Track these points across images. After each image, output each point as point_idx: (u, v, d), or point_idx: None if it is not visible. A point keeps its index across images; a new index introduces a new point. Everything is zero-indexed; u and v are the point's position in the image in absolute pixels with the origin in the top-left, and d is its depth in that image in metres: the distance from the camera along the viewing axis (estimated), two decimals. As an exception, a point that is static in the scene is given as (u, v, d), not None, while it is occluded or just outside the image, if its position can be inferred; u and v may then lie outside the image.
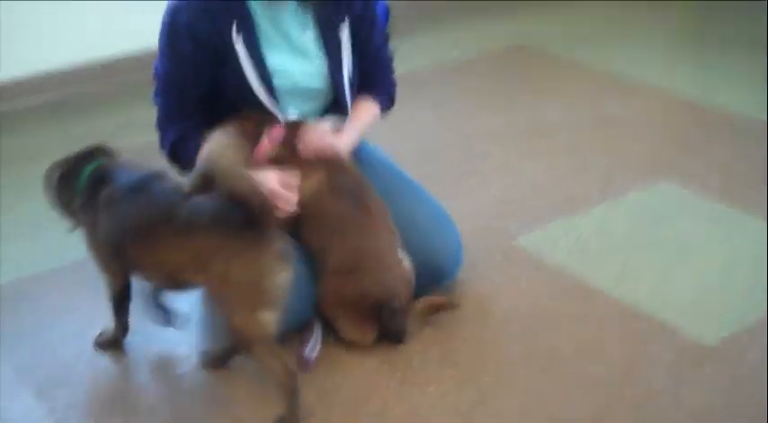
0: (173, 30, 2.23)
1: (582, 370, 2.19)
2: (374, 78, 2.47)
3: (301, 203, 2.21)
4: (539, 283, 2.54)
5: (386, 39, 2.52)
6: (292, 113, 2.33)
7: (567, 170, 3.18)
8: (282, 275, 1.94)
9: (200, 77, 2.27)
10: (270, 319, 1.94)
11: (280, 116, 2.30)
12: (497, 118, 3.65)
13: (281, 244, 1.95)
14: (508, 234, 2.78)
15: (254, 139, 2.24)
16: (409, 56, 4.12)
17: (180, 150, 2.31)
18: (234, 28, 2.21)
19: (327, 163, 2.25)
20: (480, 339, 2.31)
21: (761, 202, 2.93)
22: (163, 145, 2.35)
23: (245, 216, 1.89)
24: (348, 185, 2.26)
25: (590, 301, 2.46)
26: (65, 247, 2.76)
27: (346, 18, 2.32)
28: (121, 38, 3.97)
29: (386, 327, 2.25)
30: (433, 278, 2.38)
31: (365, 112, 2.44)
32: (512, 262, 2.64)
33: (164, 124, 2.33)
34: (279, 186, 2.15)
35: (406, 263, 2.26)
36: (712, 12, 5.01)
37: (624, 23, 4.86)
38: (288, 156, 2.24)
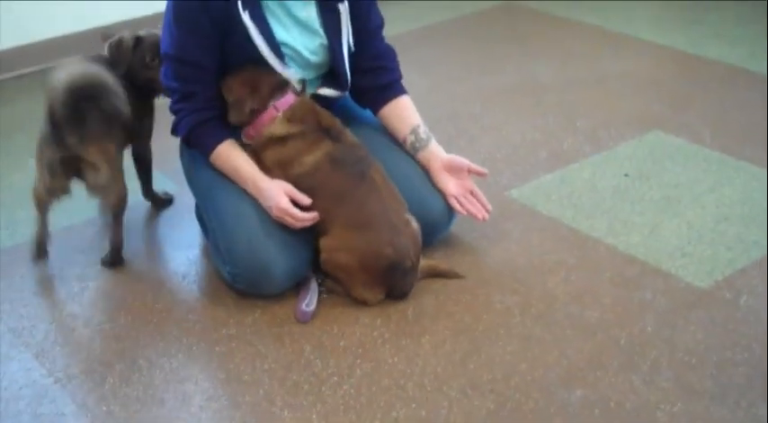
0: (185, 4, 2.23)
1: (576, 316, 2.21)
2: (385, 66, 2.47)
3: (303, 175, 2.26)
4: (531, 234, 2.55)
5: (382, 21, 2.51)
6: (295, 73, 2.34)
7: (558, 126, 3.18)
8: None
9: (214, 50, 2.28)
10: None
11: (296, 83, 2.33)
12: (486, 78, 3.64)
13: None
14: (500, 187, 2.79)
15: (262, 101, 2.28)
16: (397, 19, 4.10)
17: (198, 136, 2.34)
18: (240, 3, 2.21)
19: (331, 138, 2.28)
20: (474, 290, 2.32)
21: (751, 148, 2.94)
22: (178, 129, 2.37)
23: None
24: (351, 159, 2.27)
25: (583, 250, 2.47)
26: (58, 213, 2.76)
27: None
28: (113, 7, 3.95)
29: (396, 286, 2.27)
30: (428, 232, 2.38)
31: (414, 113, 2.47)
32: (504, 214, 2.64)
33: (180, 107, 2.34)
34: (288, 205, 2.21)
35: (414, 224, 2.27)
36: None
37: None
38: (292, 129, 2.28)
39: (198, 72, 2.29)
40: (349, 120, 2.43)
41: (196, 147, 2.37)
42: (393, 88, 2.48)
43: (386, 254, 2.21)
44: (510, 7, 4.44)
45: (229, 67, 2.31)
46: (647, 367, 2.02)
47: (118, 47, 2.51)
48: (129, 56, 2.50)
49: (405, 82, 2.49)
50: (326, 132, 2.29)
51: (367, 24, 2.42)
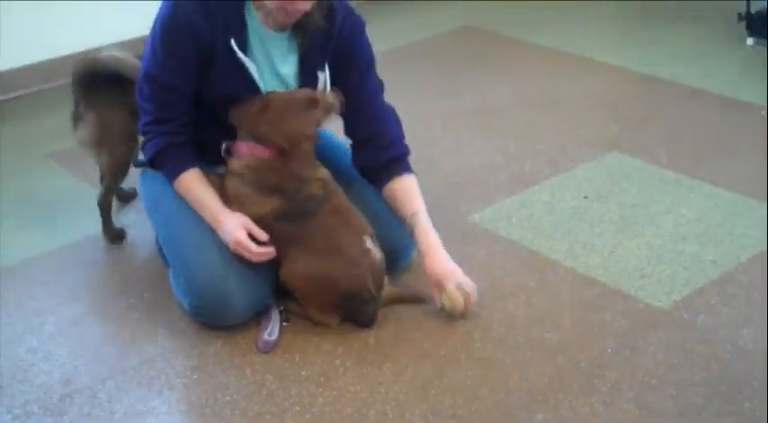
0: (172, 25, 2.23)
1: (537, 339, 2.22)
2: (384, 134, 2.44)
3: (254, 218, 2.26)
4: (492, 258, 2.56)
5: (381, 86, 2.52)
6: None
7: (516, 149, 3.20)
8: None
9: (194, 78, 2.28)
10: None
11: None
12: (445, 101, 3.66)
13: None
14: (461, 212, 2.80)
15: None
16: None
17: (166, 160, 2.32)
18: (232, 35, 2.23)
19: (285, 196, 2.26)
20: (435, 315, 2.32)
21: (707, 168, 2.98)
22: (145, 149, 2.36)
23: None
24: (297, 213, 2.25)
25: (543, 272, 2.48)
26: (14, 247, 2.74)
27: (326, 62, 2.34)
28: (113, 27, 3.94)
29: (355, 315, 2.27)
30: (390, 259, 2.38)
31: (417, 196, 2.41)
32: (465, 239, 2.65)
33: (151, 129, 2.33)
34: (245, 239, 2.21)
35: (376, 253, 2.27)
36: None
37: (571, 2, 4.88)
38: (249, 173, 2.27)
39: (175, 97, 2.29)
40: (325, 153, 2.42)
41: (161, 169, 2.35)
42: (396, 166, 2.42)
43: (341, 285, 2.21)
44: (468, 31, 4.48)
45: (204, 98, 2.31)
46: (607, 389, 2.04)
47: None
48: None
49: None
50: (280, 188, 2.27)
51: (362, 88, 2.43)
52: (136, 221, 2.81)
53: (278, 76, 2.35)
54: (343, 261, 2.22)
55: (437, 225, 2.69)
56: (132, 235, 2.76)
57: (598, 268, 2.48)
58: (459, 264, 2.51)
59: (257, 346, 2.23)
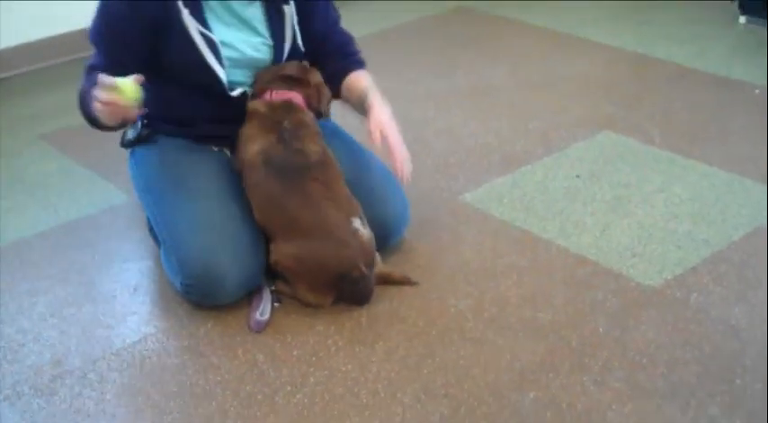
0: (115, 5, 2.23)
1: (528, 318, 2.21)
2: (347, 51, 2.51)
3: (245, 165, 2.29)
4: (484, 238, 2.56)
5: (338, 17, 2.53)
6: (226, 75, 2.32)
7: (509, 129, 3.20)
8: None
9: (137, 50, 2.27)
10: None
11: (225, 84, 2.31)
12: (439, 81, 3.65)
13: None
14: (453, 192, 2.79)
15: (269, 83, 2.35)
16: (352, 23, 4.07)
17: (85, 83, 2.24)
18: (180, 1, 2.21)
19: (279, 135, 2.27)
20: (427, 294, 2.32)
21: (700, 147, 2.97)
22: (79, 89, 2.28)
23: None
24: (286, 166, 2.25)
25: (535, 252, 2.48)
26: (6, 228, 2.74)
27: None
28: (57, 18, 3.92)
29: (347, 294, 2.27)
30: (381, 237, 2.38)
31: (369, 79, 2.46)
32: (457, 218, 2.65)
33: (88, 71, 2.28)
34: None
35: (364, 231, 2.26)
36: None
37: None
38: (260, 109, 2.32)
39: (119, 68, 2.19)
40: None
41: (81, 94, 2.25)
42: (353, 63, 2.49)
43: (330, 266, 2.21)
44: (463, 10, 4.46)
45: (168, 66, 2.30)
46: (598, 368, 2.04)
47: None
48: None
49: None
50: (279, 127, 2.27)
51: (325, 21, 2.45)
52: (126, 202, 2.80)
53: (241, 20, 2.32)
54: (332, 242, 2.21)
55: (430, 204, 2.71)
56: (124, 215, 2.76)
57: (590, 247, 2.47)
58: (451, 244, 2.53)
59: (249, 326, 2.23)
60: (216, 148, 2.45)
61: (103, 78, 2.04)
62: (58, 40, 3.95)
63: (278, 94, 2.32)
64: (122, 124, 2.26)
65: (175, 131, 2.43)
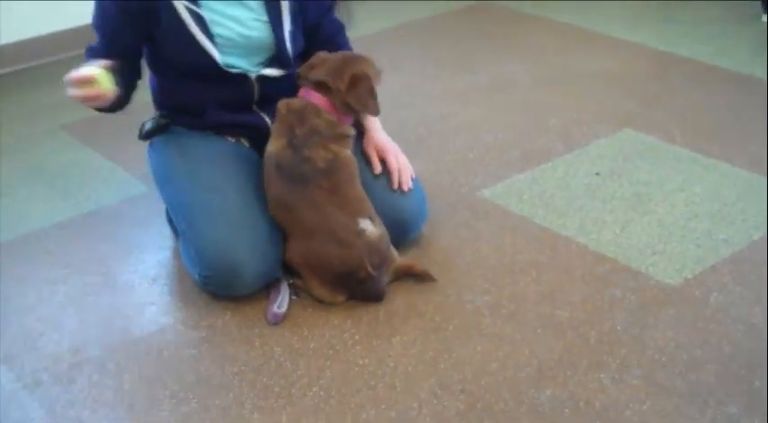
0: None
1: (547, 314, 2.21)
2: (334, 39, 2.50)
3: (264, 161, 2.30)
4: (503, 234, 2.55)
5: (332, 4, 2.53)
6: (223, 58, 2.32)
7: (529, 125, 3.19)
8: None
9: (133, 36, 2.30)
10: None
11: (218, 58, 2.30)
12: (459, 77, 3.64)
13: None
14: (472, 188, 2.79)
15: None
16: (372, 17, 4.10)
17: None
18: None
19: (289, 142, 2.26)
20: (445, 290, 2.32)
21: (721, 146, 2.95)
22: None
23: None
24: (292, 171, 2.24)
25: (554, 249, 2.47)
26: (26, 217, 2.75)
27: None
28: (78, 8, 3.93)
29: (356, 293, 2.27)
30: (399, 232, 2.39)
31: None
32: (476, 214, 2.64)
33: (94, 50, 2.33)
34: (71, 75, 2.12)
35: (373, 230, 2.25)
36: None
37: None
38: (281, 110, 2.31)
39: (121, 47, 2.30)
40: None
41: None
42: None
43: (334, 265, 2.21)
44: (484, 6, 4.45)
45: (165, 51, 2.32)
46: (616, 366, 2.03)
47: None
48: None
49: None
50: (290, 133, 2.27)
51: (320, 7, 2.45)
52: (145, 193, 2.81)
53: (241, 3, 2.32)
54: (334, 242, 2.21)
55: (448, 200, 2.70)
56: (143, 206, 2.77)
57: (609, 245, 2.46)
58: (470, 239, 2.52)
59: (266, 319, 2.24)
60: (232, 140, 2.45)
61: (75, 73, 2.08)
62: (80, 31, 3.96)
63: (303, 93, 2.31)
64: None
65: (189, 122, 2.43)
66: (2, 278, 2.47)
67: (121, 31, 2.29)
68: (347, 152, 2.29)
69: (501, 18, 4.29)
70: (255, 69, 2.37)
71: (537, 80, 3.57)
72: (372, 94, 2.30)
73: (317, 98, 2.28)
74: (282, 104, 2.31)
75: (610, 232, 2.52)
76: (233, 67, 2.33)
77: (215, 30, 2.29)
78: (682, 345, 2.09)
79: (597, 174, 2.82)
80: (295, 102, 2.30)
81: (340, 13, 2.57)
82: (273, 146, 2.29)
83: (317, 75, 2.28)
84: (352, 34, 2.60)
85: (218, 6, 2.29)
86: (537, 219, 2.61)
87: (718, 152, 2.92)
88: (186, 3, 2.25)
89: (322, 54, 2.33)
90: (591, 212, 2.62)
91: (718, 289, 2.28)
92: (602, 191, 2.73)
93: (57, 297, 2.37)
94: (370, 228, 2.24)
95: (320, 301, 2.28)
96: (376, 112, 2.32)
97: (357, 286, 2.25)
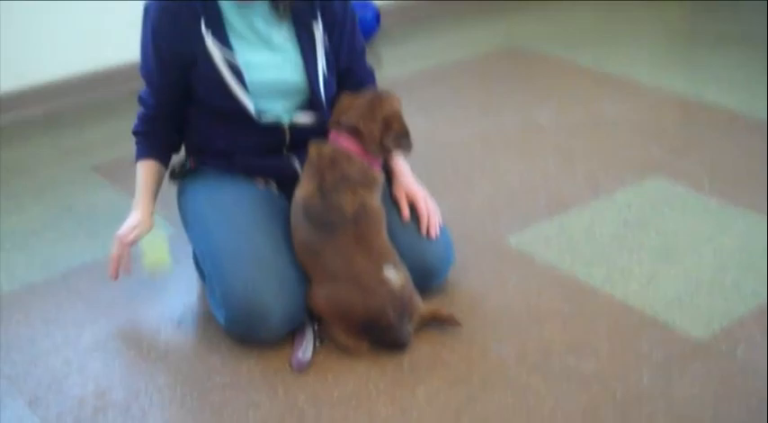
0: (144, 32, 2.33)
1: (572, 367, 2.19)
2: (363, 85, 2.51)
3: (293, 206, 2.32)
4: (529, 282, 2.54)
5: (364, 49, 2.54)
6: (251, 102, 2.34)
7: (557, 170, 3.19)
8: None
9: (169, 83, 2.36)
10: None
11: (252, 110, 2.33)
12: (487, 120, 3.65)
13: None
14: (498, 234, 2.78)
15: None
16: (401, 61, 4.13)
17: (137, 141, 2.47)
18: (203, 24, 2.25)
19: (319, 187, 2.28)
20: (471, 339, 2.31)
21: (750, 195, 2.94)
22: (135, 124, 2.48)
23: None
24: (320, 218, 2.25)
25: (581, 299, 2.46)
26: (54, 258, 2.78)
27: (319, 16, 2.35)
28: (115, 49, 3.99)
29: (379, 341, 2.26)
30: (424, 278, 2.38)
31: None
32: (502, 261, 2.64)
33: (142, 102, 2.45)
34: (123, 233, 2.38)
35: (396, 278, 2.25)
36: (701, 11, 5.02)
37: (615, 23, 4.87)
38: (312, 153, 2.33)
39: (160, 87, 2.39)
40: None
41: (135, 146, 2.48)
42: None
43: (358, 313, 2.21)
44: (512, 51, 4.47)
45: (199, 96, 2.36)
46: (642, 421, 2.01)
47: None
48: None
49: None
50: (320, 179, 2.29)
51: (353, 51, 2.47)
52: (173, 235, 2.83)
53: (268, 42, 2.34)
54: (359, 289, 2.21)
55: (474, 246, 2.70)
56: (171, 248, 2.78)
57: (636, 296, 2.45)
58: (495, 286, 2.51)
59: (291, 365, 2.23)
60: (262, 182, 2.47)
61: (126, 236, 2.36)
62: (110, 72, 4.02)
63: (334, 137, 2.33)
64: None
65: (219, 164, 2.45)
66: (30, 319, 2.48)
67: (162, 80, 2.35)
68: (375, 201, 2.30)
69: (527, 62, 4.31)
70: (288, 114, 2.39)
71: (564, 125, 3.57)
72: (406, 131, 2.33)
73: (348, 143, 2.30)
74: (313, 149, 2.32)
75: (636, 283, 2.51)
76: (266, 111, 2.36)
77: (249, 76, 2.31)
78: (708, 400, 2.07)
79: (625, 222, 2.81)
80: (326, 147, 2.31)
81: (369, 57, 2.59)
82: (302, 191, 2.30)
83: (347, 119, 2.30)
84: (380, 77, 2.62)
85: (253, 51, 2.32)
86: (563, 267, 2.60)
87: (746, 201, 2.90)
88: (221, 50, 2.28)
89: (347, 96, 2.36)
90: (618, 262, 2.61)
91: (746, 342, 2.25)
92: (629, 240, 2.72)
93: (83, 339, 2.39)
94: (394, 276, 2.24)
95: (344, 349, 2.28)
96: (410, 147, 2.36)
97: (380, 334, 2.25)
